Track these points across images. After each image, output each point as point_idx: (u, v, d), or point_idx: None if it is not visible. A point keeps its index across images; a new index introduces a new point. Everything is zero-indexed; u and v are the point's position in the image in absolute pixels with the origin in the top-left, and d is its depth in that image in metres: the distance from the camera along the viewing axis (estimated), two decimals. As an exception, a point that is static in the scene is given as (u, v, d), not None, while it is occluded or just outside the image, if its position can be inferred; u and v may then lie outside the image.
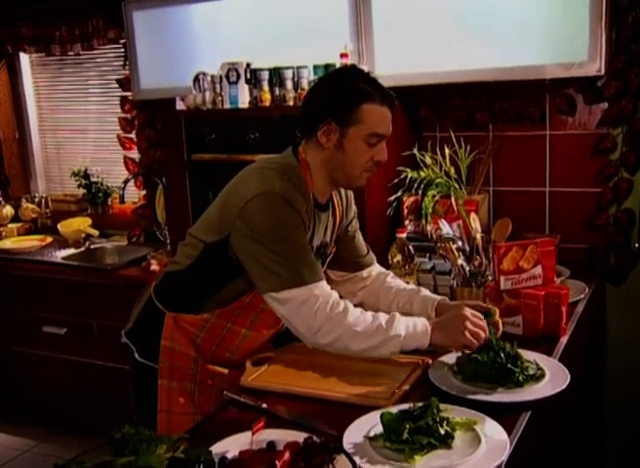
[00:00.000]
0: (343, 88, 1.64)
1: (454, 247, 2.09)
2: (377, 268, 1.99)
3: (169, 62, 3.15)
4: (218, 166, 2.67)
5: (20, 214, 4.01)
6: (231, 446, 1.36)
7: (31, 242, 3.68)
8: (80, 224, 3.69)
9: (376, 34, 2.65)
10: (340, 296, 1.67)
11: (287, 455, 1.24)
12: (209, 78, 2.78)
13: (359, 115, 1.62)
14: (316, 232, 1.73)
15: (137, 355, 1.79)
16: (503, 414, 1.48)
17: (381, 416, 1.39)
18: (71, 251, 3.55)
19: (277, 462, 1.21)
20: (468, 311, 1.64)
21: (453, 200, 2.49)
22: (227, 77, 2.68)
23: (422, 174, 2.59)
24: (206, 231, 1.71)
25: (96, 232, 3.69)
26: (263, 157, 1.81)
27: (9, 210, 3.98)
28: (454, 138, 2.68)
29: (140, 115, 3.56)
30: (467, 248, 2.12)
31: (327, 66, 2.58)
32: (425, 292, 1.89)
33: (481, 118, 2.76)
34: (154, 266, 3.09)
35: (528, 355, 1.71)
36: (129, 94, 3.50)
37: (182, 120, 2.79)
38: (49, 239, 3.72)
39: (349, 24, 2.68)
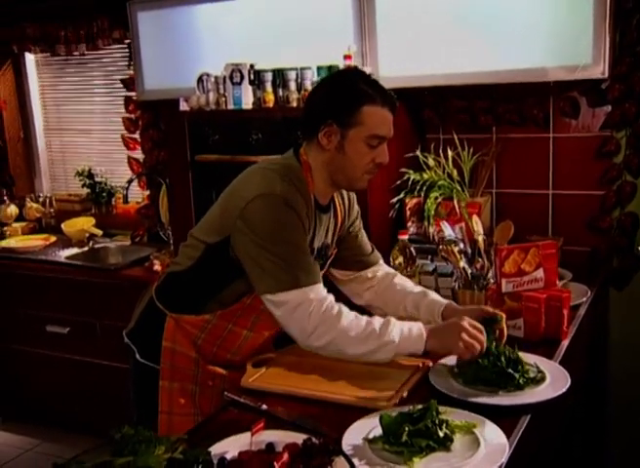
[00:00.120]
0: (344, 89, 1.65)
1: (455, 249, 2.09)
2: (383, 268, 1.98)
3: (173, 63, 3.16)
4: (221, 167, 2.67)
5: (25, 213, 4.02)
6: (231, 446, 1.36)
7: (35, 241, 3.70)
8: (84, 224, 3.70)
9: (379, 36, 2.65)
10: (337, 300, 1.67)
11: (285, 457, 1.25)
12: (212, 79, 2.78)
13: (360, 117, 1.62)
14: (317, 234, 1.74)
15: (138, 355, 1.79)
16: (504, 417, 1.48)
17: (381, 419, 1.40)
18: (75, 250, 3.56)
19: (276, 464, 1.21)
20: (467, 322, 1.62)
21: (455, 202, 2.49)
22: (231, 78, 2.69)
23: (425, 175, 2.59)
24: (207, 232, 1.71)
25: (99, 232, 3.70)
26: (265, 158, 1.81)
27: (13, 209, 4.00)
28: (457, 141, 2.68)
29: (144, 115, 3.57)
30: (469, 250, 2.12)
31: (330, 68, 2.58)
32: (432, 295, 1.89)
33: (485, 120, 2.76)
34: (157, 266, 3.09)
35: (528, 358, 1.71)
36: (133, 94, 3.51)
37: (186, 121, 2.79)
38: (53, 238, 3.73)
39: (353, 26, 2.68)
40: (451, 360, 1.72)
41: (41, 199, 4.06)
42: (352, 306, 1.96)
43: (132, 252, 3.51)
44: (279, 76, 2.65)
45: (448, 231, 2.16)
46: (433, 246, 2.34)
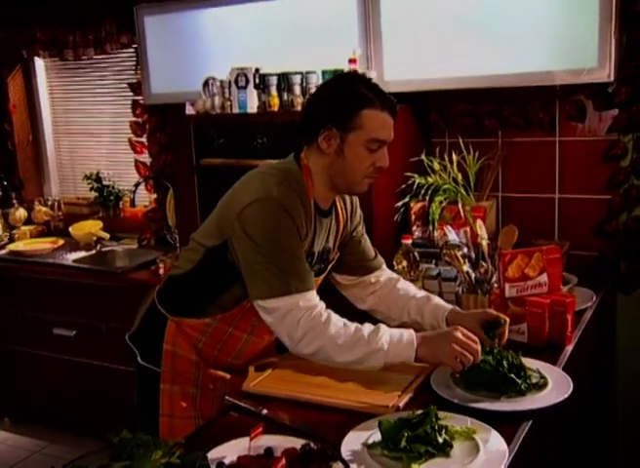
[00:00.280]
0: (343, 93, 1.65)
1: (459, 254, 2.08)
2: (386, 273, 1.97)
3: (180, 67, 3.17)
4: (226, 170, 2.68)
5: (33, 216, 4.04)
6: (230, 451, 1.36)
7: (43, 244, 3.71)
8: (91, 227, 3.72)
9: (384, 39, 2.65)
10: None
11: (283, 462, 1.24)
12: (218, 83, 2.79)
13: (359, 121, 1.62)
14: (317, 238, 1.73)
15: (139, 359, 1.80)
16: (505, 423, 1.47)
17: (380, 424, 1.39)
18: (82, 253, 3.58)
19: (273, 469, 1.21)
20: (460, 332, 1.60)
21: (460, 206, 2.48)
22: (236, 82, 2.69)
23: (430, 179, 2.58)
24: (207, 236, 1.72)
25: (106, 235, 3.71)
26: (266, 162, 1.81)
27: (22, 212, 4.02)
28: (462, 144, 2.67)
29: (151, 119, 3.58)
30: (473, 254, 2.11)
31: (335, 72, 2.57)
32: (436, 300, 1.88)
33: (490, 124, 2.75)
34: (163, 270, 3.10)
35: (531, 363, 1.70)
36: (140, 98, 3.53)
37: (191, 125, 2.80)
38: (60, 241, 3.75)
39: (358, 29, 2.69)
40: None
41: (50, 202, 4.08)
42: (355, 311, 1.97)
43: (139, 255, 3.52)
44: (284, 80, 2.65)
45: (452, 235, 2.15)
46: (438, 250, 2.33)
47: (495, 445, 1.38)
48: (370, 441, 1.40)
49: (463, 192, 2.56)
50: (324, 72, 2.62)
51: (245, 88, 2.68)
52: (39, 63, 4.14)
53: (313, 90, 2.59)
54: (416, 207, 2.66)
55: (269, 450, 1.34)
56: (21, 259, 3.55)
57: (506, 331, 1.74)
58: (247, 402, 1.63)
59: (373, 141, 1.64)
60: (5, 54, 4.01)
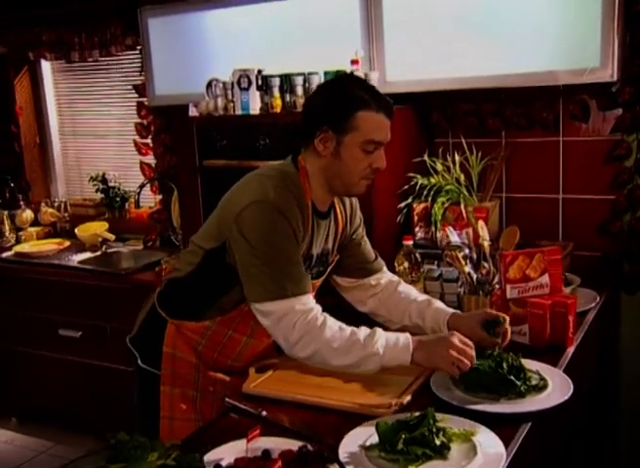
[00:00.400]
0: (339, 95, 1.65)
1: (460, 255, 2.07)
2: (386, 276, 1.97)
3: (183, 69, 3.18)
4: (229, 172, 2.68)
5: (40, 218, 4.07)
6: (227, 453, 1.37)
7: (49, 246, 3.73)
8: (97, 229, 3.74)
9: (386, 40, 2.65)
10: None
11: (279, 464, 1.25)
12: (221, 84, 2.80)
13: (354, 122, 1.62)
14: (315, 240, 1.74)
15: (140, 361, 1.81)
16: (504, 425, 1.47)
17: (377, 426, 1.39)
18: (88, 255, 3.59)
19: (268, 471, 1.21)
20: (456, 338, 1.61)
21: (462, 207, 2.47)
22: (239, 83, 2.70)
23: (432, 180, 2.58)
24: (205, 238, 1.73)
25: (112, 236, 3.73)
26: (265, 164, 1.81)
27: (29, 214, 4.05)
28: (465, 145, 2.66)
29: (155, 121, 3.60)
30: (474, 256, 2.10)
31: (338, 73, 2.57)
32: (437, 303, 1.87)
33: (493, 124, 2.74)
34: (165, 271, 3.11)
35: (531, 365, 1.69)
36: (145, 99, 3.54)
37: (194, 126, 2.81)
38: (66, 243, 3.77)
39: (360, 31, 2.69)
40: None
41: (56, 204, 4.10)
42: (356, 313, 1.97)
43: (144, 256, 3.53)
44: (286, 81, 2.65)
45: (453, 237, 2.15)
46: (440, 251, 2.32)
47: (493, 447, 1.38)
48: (367, 443, 1.40)
49: (466, 193, 2.56)
50: (326, 73, 2.61)
51: (247, 89, 2.68)
52: (46, 65, 4.17)
53: (314, 92, 2.61)
54: (418, 208, 2.65)
55: (267, 452, 1.35)
56: (27, 261, 3.57)
57: (509, 331, 1.74)
58: (247, 404, 1.63)
59: (369, 143, 1.64)
60: (12, 56, 4.04)
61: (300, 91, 2.63)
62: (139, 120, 3.70)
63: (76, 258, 3.53)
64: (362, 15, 2.68)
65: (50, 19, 3.72)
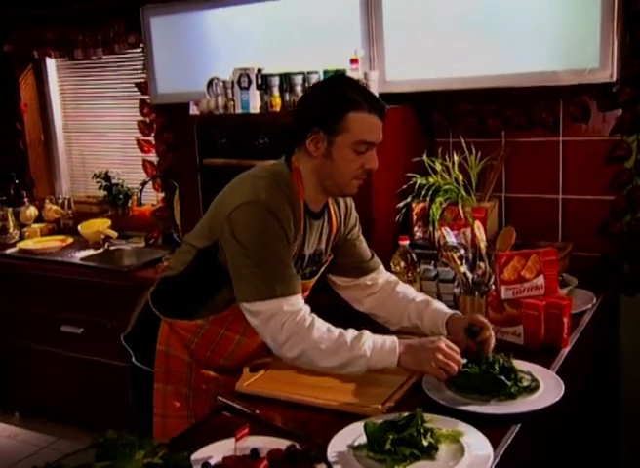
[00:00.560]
0: (330, 97, 1.65)
1: (456, 255, 2.07)
2: (383, 275, 1.97)
3: (185, 67, 3.20)
4: (228, 170, 2.67)
5: (44, 214, 4.09)
6: (216, 451, 1.38)
7: (52, 242, 3.75)
8: (99, 226, 3.75)
9: (386, 40, 2.65)
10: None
11: (265, 464, 1.25)
12: (221, 83, 2.81)
13: (345, 123, 1.62)
14: (307, 240, 1.74)
15: (133, 359, 1.82)
16: (493, 426, 1.47)
17: (365, 426, 1.40)
18: (90, 252, 3.61)
19: (254, 470, 1.22)
20: (443, 342, 1.61)
21: (460, 207, 2.47)
22: (239, 82, 2.70)
23: (431, 180, 2.58)
24: (198, 237, 1.74)
25: (114, 233, 3.74)
26: (258, 165, 1.82)
27: (33, 210, 4.07)
28: (464, 145, 2.66)
29: (158, 119, 3.61)
30: (470, 256, 2.10)
31: (337, 72, 2.58)
32: (436, 304, 1.87)
33: (494, 124, 2.74)
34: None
35: (524, 366, 1.70)
36: (147, 97, 3.55)
37: (195, 125, 2.82)
38: (70, 240, 3.79)
39: (360, 30, 2.69)
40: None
41: (60, 201, 4.12)
42: (353, 313, 1.97)
43: (146, 253, 3.55)
44: (286, 81, 2.66)
45: (450, 237, 2.15)
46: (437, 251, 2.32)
47: (481, 448, 1.38)
48: (356, 443, 1.41)
49: (464, 193, 2.55)
50: (326, 72, 2.62)
51: (247, 88, 2.69)
52: (50, 63, 4.19)
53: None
54: (417, 207, 2.65)
55: (255, 451, 1.36)
56: (31, 257, 3.59)
57: (490, 340, 1.72)
58: (239, 402, 1.64)
59: (360, 144, 1.64)
60: (17, 54, 4.06)
61: (299, 90, 2.63)
62: (141, 118, 3.71)
63: (79, 255, 3.55)
64: (362, 14, 2.67)
65: (54, 17, 3.75)
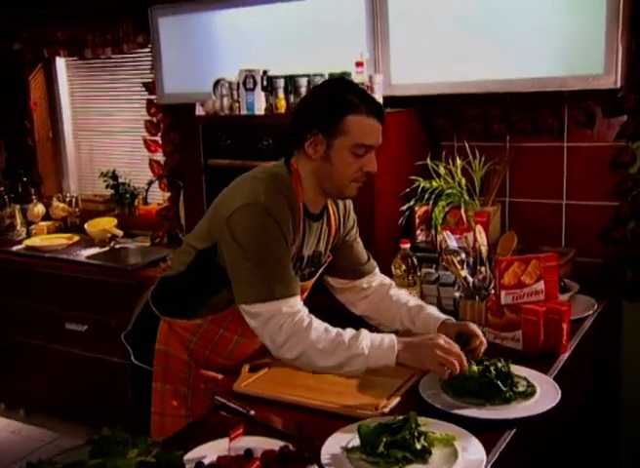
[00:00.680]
0: (329, 99, 1.66)
1: (456, 259, 2.08)
2: (378, 278, 1.98)
3: (192, 68, 3.21)
4: (232, 171, 2.68)
5: (51, 212, 4.11)
6: (210, 451, 1.38)
7: (59, 240, 3.77)
8: (106, 224, 3.77)
9: (392, 43, 2.66)
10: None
11: (257, 464, 1.26)
12: (227, 84, 2.82)
13: (344, 126, 1.63)
14: (306, 242, 1.75)
15: (133, 357, 1.83)
16: (488, 431, 1.47)
17: (359, 429, 1.40)
18: (96, 250, 3.64)
19: (246, 470, 1.23)
20: (442, 339, 1.61)
21: (462, 211, 2.47)
22: (244, 84, 2.72)
23: (434, 183, 2.58)
24: (197, 238, 1.75)
25: (120, 232, 3.76)
26: (257, 167, 1.82)
27: (40, 208, 4.10)
28: (468, 149, 2.66)
29: (165, 119, 3.63)
30: (471, 260, 2.11)
31: (343, 74, 2.58)
32: (429, 309, 1.87)
33: (498, 129, 2.74)
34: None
35: (521, 371, 1.70)
36: (154, 97, 3.57)
37: (200, 125, 2.83)
38: (76, 238, 3.81)
39: (366, 33, 2.69)
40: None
41: (67, 199, 4.15)
42: (350, 314, 1.98)
43: (151, 253, 3.57)
44: (291, 82, 2.67)
45: (451, 241, 2.15)
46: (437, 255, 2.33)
47: (474, 452, 1.39)
48: (350, 445, 1.41)
49: (467, 197, 2.55)
50: (331, 75, 2.63)
51: (253, 90, 2.70)
52: (60, 62, 4.22)
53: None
54: (420, 211, 2.66)
55: (249, 452, 1.36)
56: (37, 255, 3.61)
57: (481, 348, 1.72)
58: (236, 402, 1.65)
59: (359, 147, 1.64)
60: (27, 53, 4.09)
61: (304, 92, 2.64)
62: (148, 117, 3.74)
63: (84, 253, 3.57)
64: (368, 17, 2.68)
65: (64, 17, 3.78)
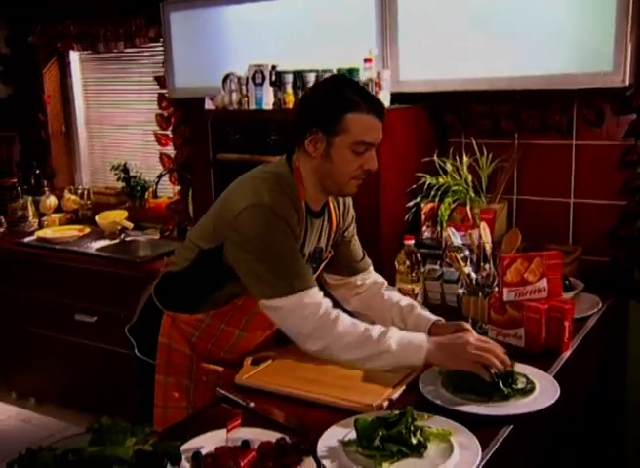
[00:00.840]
0: (328, 97, 1.66)
1: (460, 256, 2.08)
2: (372, 276, 1.99)
3: (203, 62, 3.23)
4: (240, 166, 2.70)
5: (63, 204, 4.15)
6: (208, 441, 1.40)
7: (70, 232, 3.81)
8: (116, 217, 3.81)
9: (401, 39, 2.66)
10: (335, 304, 1.68)
11: (252, 455, 1.28)
12: (236, 79, 2.83)
13: (344, 124, 1.63)
14: (308, 238, 1.76)
15: (136, 350, 1.85)
16: (486, 428, 1.48)
17: (356, 422, 1.42)
18: (106, 242, 3.67)
19: (241, 461, 1.25)
20: (472, 336, 1.61)
21: (468, 208, 2.47)
22: (253, 79, 2.73)
23: (441, 180, 2.58)
24: (201, 237, 1.76)
25: (130, 225, 3.79)
26: (257, 166, 1.83)
27: (52, 200, 4.14)
28: (475, 146, 2.66)
29: (175, 113, 3.65)
30: (475, 257, 2.11)
31: (351, 70, 2.59)
32: (420, 309, 1.88)
33: (507, 126, 2.73)
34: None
35: (521, 368, 1.70)
36: (165, 91, 3.59)
37: (209, 120, 2.85)
38: (87, 230, 3.84)
39: (375, 29, 2.69)
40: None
41: (79, 191, 4.19)
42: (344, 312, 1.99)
43: (160, 245, 3.59)
44: (299, 78, 2.67)
45: (455, 237, 2.15)
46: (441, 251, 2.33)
47: (470, 448, 1.39)
48: (347, 438, 1.43)
49: (473, 194, 2.55)
50: (339, 71, 2.63)
51: (262, 85, 2.72)
52: (74, 56, 4.26)
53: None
54: (426, 207, 2.66)
55: (246, 443, 1.38)
56: (48, 246, 3.65)
57: None
58: (237, 394, 1.67)
59: (359, 144, 1.65)
60: (41, 46, 4.14)
61: (312, 87, 2.65)
62: (159, 111, 3.76)
63: (95, 245, 3.61)
64: (377, 13, 2.68)
65: (77, 12, 3.81)
